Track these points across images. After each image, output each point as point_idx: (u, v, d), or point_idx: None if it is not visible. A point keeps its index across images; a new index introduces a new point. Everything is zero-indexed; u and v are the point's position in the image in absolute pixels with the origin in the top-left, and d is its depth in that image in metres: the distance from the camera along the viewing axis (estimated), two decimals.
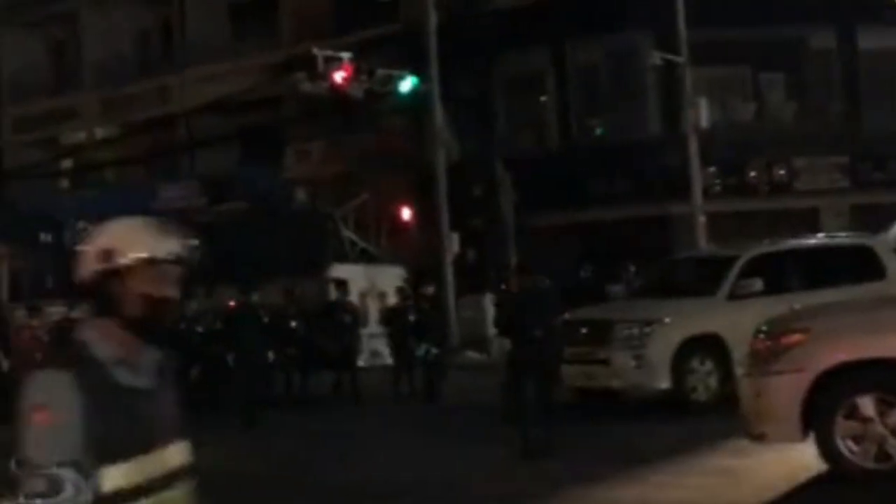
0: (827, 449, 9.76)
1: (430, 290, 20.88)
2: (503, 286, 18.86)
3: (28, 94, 39.42)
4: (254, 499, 11.38)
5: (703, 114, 26.71)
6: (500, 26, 28.56)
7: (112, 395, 2.99)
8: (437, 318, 20.76)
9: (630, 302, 17.34)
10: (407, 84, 26.13)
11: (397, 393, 19.05)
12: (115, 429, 2.96)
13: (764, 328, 10.55)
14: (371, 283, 25.31)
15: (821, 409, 9.70)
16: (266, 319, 18.64)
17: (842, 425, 9.63)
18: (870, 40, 29.09)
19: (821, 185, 28.89)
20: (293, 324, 19.96)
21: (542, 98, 31.46)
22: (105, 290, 3.05)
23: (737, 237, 21.29)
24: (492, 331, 26.78)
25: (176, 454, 3.17)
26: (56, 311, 21.19)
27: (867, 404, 9.60)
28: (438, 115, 26.54)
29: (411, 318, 19.45)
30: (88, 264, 3.07)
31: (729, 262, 16.10)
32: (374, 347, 23.15)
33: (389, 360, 21.02)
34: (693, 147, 26.74)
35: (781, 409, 9.77)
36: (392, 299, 21.95)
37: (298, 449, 14.74)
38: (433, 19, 26.63)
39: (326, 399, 19.43)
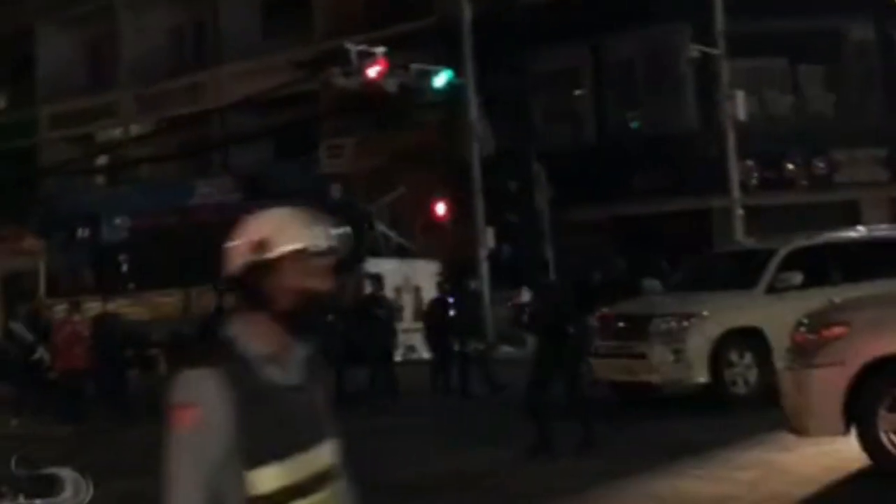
0: (869, 442, 9.64)
1: (473, 284, 20.84)
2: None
3: (64, 91, 39.67)
4: None
5: (740, 107, 26.46)
6: (535, 20, 28.43)
7: (262, 393, 2.85)
8: (478, 314, 20.70)
9: (668, 296, 17.20)
10: (441, 79, 26.04)
11: (435, 388, 18.98)
12: (266, 429, 2.83)
13: (805, 321, 10.42)
14: (406, 278, 25.28)
15: (863, 402, 9.58)
16: None
17: (884, 418, 9.52)
18: None
19: (860, 177, 28.63)
20: (328, 318, 19.93)
21: (578, 92, 31.32)
22: (256, 283, 2.91)
23: (775, 231, 21.05)
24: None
25: (327, 453, 3.04)
26: (94, 306, 21.33)
27: None
28: (473, 109, 26.45)
29: (451, 312, 19.38)
30: (239, 256, 2.94)
31: (768, 255, 15.96)
32: (410, 342, 23.12)
33: (425, 355, 20.98)
34: (730, 140, 26.53)
35: (823, 402, 9.65)
36: (428, 294, 21.92)
37: None
38: (468, 13, 26.55)
39: (362, 394, 19.39)
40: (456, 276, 22.33)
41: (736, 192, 26.68)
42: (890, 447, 9.50)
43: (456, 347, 19.10)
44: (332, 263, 3.00)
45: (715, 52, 26.54)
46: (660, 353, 15.10)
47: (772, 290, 15.42)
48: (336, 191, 29.83)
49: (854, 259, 15.88)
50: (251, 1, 36.61)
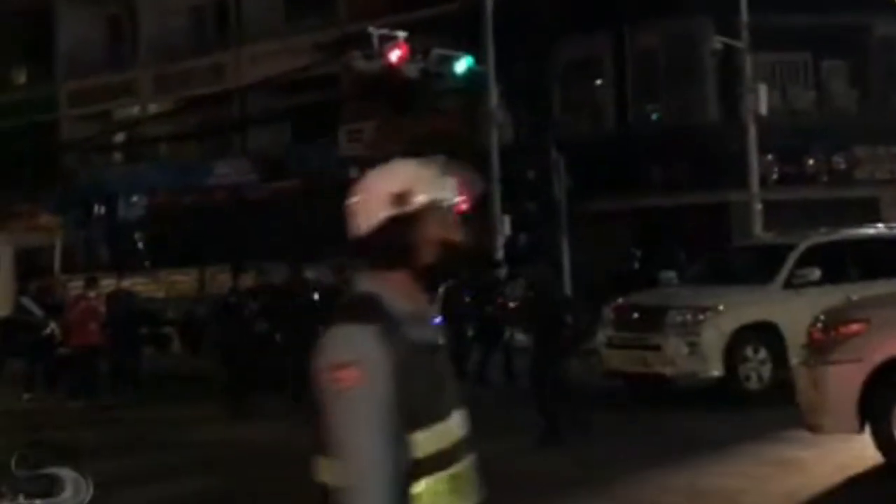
0: (883, 440, 9.60)
1: (502, 272, 20.82)
2: None
3: (84, 68, 39.67)
4: (298, 475, 11.31)
5: (762, 100, 26.32)
6: (558, 8, 28.30)
7: (415, 352, 2.71)
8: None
9: (684, 288, 17.13)
10: (462, 65, 25.94)
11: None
12: (422, 389, 2.68)
13: (822, 318, 10.37)
14: None
15: (878, 400, 9.52)
16: (316, 297, 18.63)
17: None
18: None
19: (881, 174, 28.50)
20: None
21: (599, 82, 31.20)
22: (396, 238, 2.77)
23: (795, 226, 20.96)
24: None
25: (462, 421, 2.87)
26: (109, 283, 21.37)
27: None
28: (493, 96, 26.36)
29: (466, 299, 19.33)
30: (376, 210, 2.79)
31: (786, 250, 15.88)
32: None
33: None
34: (751, 134, 26.40)
35: (838, 399, 9.60)
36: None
37: None
38: (490, 0, 26.45)
39: None
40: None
41: (755, 187, 26.56)
42: None
43: (470, 333, 19.05)
44: (465, 213, 2.88)
45: (738, 44, 26.40)
46: (674, 346, 15.04)
47: (789, 285, 15.35)
48: (354, 174, 29.75)
49: (872, 256, 15.81)
50: None
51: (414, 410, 2.66)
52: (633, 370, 15.84)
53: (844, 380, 9.57)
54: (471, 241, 2.87)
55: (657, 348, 15.20)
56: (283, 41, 34.08)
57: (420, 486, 2.67)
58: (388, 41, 24.49)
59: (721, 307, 15.20)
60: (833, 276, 15.16)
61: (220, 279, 22.79)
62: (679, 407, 15.06)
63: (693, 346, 14.94)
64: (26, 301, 20.98)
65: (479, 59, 26.13)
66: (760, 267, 16.30)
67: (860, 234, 16.77)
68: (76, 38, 40.35)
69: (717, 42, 26.56)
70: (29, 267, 28.53)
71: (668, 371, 15.53)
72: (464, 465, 2.79)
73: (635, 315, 15.81)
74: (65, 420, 16.74)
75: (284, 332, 18.02)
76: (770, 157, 27.82)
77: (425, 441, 2.68)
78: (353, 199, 2.85)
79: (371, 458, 2.60)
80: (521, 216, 27.55)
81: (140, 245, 29.69)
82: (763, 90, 26.51)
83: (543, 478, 10.60)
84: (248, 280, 18.36)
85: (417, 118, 29.97)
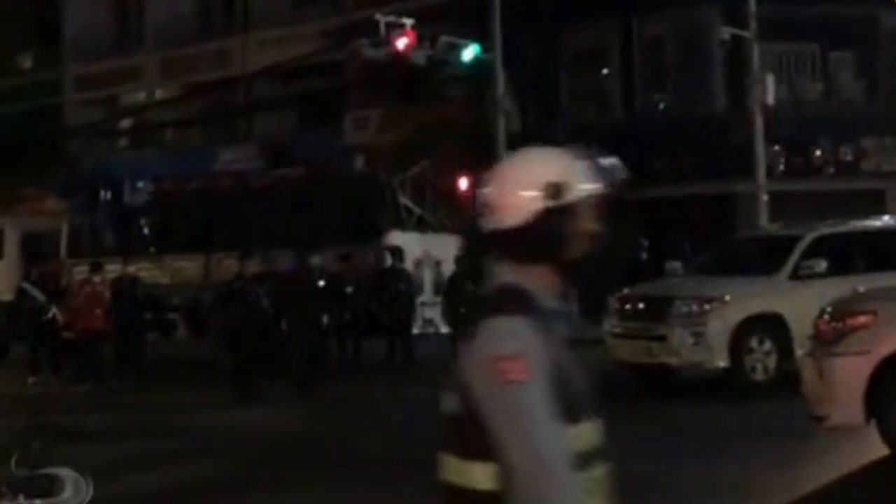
0: (889, 432, 9.58)
1: None
2: None
3: (90, 53, 39.62)
4: (301, 461, 11.36)
5: (769, 91, 26.22)
6: None
7: (564, 346, 2.64)
8: None
9: (690, 279, 17.10)
10: (469, 53, 25.88)
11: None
12: (573, 383, 2.60)
13: (829, 309, 10.35)
14: (426, 252, 25.22)
15: (885, 392, 9.50)
16: (321, 284, 18.65)
17: None
18: None
19: (888, 166, 28.42)
20: (348, 290, 19.93)
21: (605, 71, 31.13)
22: (549, 231, 2.64)
23: (801, 217, 20.91)
24: None
25: (599, 421, 2.74)
26: (115, 268, 21.37)
27: None
28: (500, 85, 26.29)
29: (470, 287, 19.31)
30: (527, 201, 2.65)
31: (792, 241, 15.85)
32: (428, 315, 23.10)
33: (443, 329, 20.93)
34: (758, 125, 26.31)
35: (844, 391, 9.58)
36: (448, 268, 21.86)
37: (350, 414, 14.74)
38: None
39: (379, 365, 19.40)
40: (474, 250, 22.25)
41: (762, 178, 26.48)
42: None
43: None
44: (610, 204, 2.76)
45: (746, 35, 26.30)
46: (680, 336, 15.02)
47: (795, 276, 15.32)
48: (359, 162, 29.78)
49: (879, 248, 15.77)
50: None
51: (570, 403, 2.57)
52: (639, 360, 15.83)
53: (851, 372, 9.55)
54: (618, 234, 2.80)
55: (663, 338, 15.19)
56: (289, 28, 34.03)
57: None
58: (395, 28, 24.44)
59: (727, 298, 15.18)
60: (839, 267, 15.13)
61: (226, 265, 22.79)
62: (684, 398, 15.05)
63: (699, 337, 14.93)
64: (27, 286, 21.00)
65: (487, 47, 26.06)
66: (766, 258, 16.26)
67: (867, 226, 16.74)
68: (82, 23, 40.29)
69: (725, 32, 26.46)
70: (34, 251, 28.53)
71: (673, 361, 15.52)
72: (602, 470, 2.69)
73: (641, 305, 15.79)
74: (69, 404, 16.77)
75: (290, 319, 18.03)
76: (777, 148, 27.75)
77: (582, 435, 2.60)
78: (492, 189, 2.72)
79: (553, 449, 2.49)
80: None
81: (145, 231, 29.66)
82: (770, 81, 26.42)
83: None
84: (252, 266, 18.35)
85: (424, 106, 29.94)
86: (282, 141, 33.39)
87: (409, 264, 22.28)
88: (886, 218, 18.70)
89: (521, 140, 26.96)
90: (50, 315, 20.03)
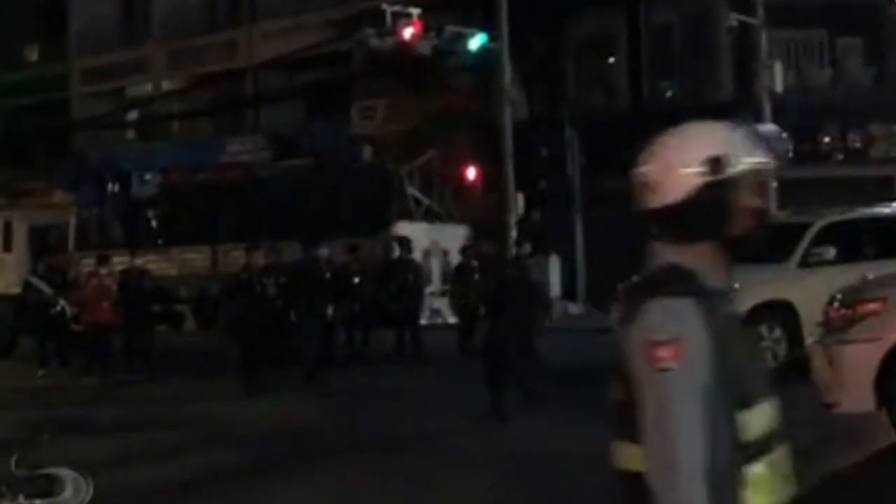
0: None
1: (528, 249, 20.81)
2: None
3: (97, 46, 39.62)
4: (309, 452, 11.35)
5: (777, 78, 26.15)
6: None
7: (734, 328, 2.55)
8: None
9: None
10: (476, 42, 25.83)
11: (463, 351, 18.90)
12: (743, 366, 2.50)
13: (839, 296, 10.32)
14: (434, 242, 25.19)
15: (894, 378, 9.46)
16: (328, 275, 18.64)
17: None
18: None
19: None
20: (356, 280, 19.91)
21: (612, 59, 31.04)
22: (710, 207, 2.55)
23: (809, 204, 20.83)
24: (555, 293, 26.74)
25: (775, 401, 2.63)
26: (123, 261, 21.37)
27: None
28: (507, 74, 26.24)
29: (476, 277, 19.29)
30: (687, 177, 2.57)
31: (801, 229, 15.79)
32: (436, 306, 23.07)
33: (451, 320, 20.90)
34: (766, 112, 26.24)
35: (855, 378, 9.55)
36: (455, 258, 21.84)
37: (357, 404, 14.73)
38: None
39: (387, 356, 19.38)
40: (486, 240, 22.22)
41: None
42: None
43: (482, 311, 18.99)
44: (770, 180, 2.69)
45: (754, 21, 26.22)
46: None
47: (804, 264, 15.28)
48: (367, 152, 29.72)
49: (888, 235, 15.71)
50: None
51: (740, 388, 2.47)
52: None
53: (861, 359, 9.52)
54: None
55: None
56: (295, 18, 33.97)
57: (751, 470, 2.49)
58: (402, 18, 24.40)
59: (736, 286, 15.07)
60: (848, 254, 15.09)
61: (233, 257, 22.78)
62: None
63: None
64: (34, 279, 21.00)
65: (493, 36, 26.01)
66: (775, 245, 16.14)
67: (876, 213, 16.66)
68: (89, 16, 40.29)
69: (733, 19, 26.38)
70: (42, 245, 28.56)
71: None
72: (782, 451, 2.61)
73: None
74: (78, 397, 16.78)
75: (297, 311, 18.02)
76: (785, 134, 27.66)
77: (753, 421, 2.50)
78: (651, 166, 2.65)
79: (687, 450, 2.39)
80: (534, 194, 27.48)
81: (153, 223, 29.67)
82: (778, 67, 26.34)
83: (562, 453, 10.57)
84: (260, 258, 18.32)
85: (430, 96, 29.89)
86: (289, 132, 33.33)
87: (416, 254, 22.23)
88: (895, 204, 18.61)
89: (527, 128, 26.94)
90: (58, 308, 20.04)
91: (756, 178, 2.59)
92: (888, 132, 28.51)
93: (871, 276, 11.61)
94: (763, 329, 14.98)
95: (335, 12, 32.78)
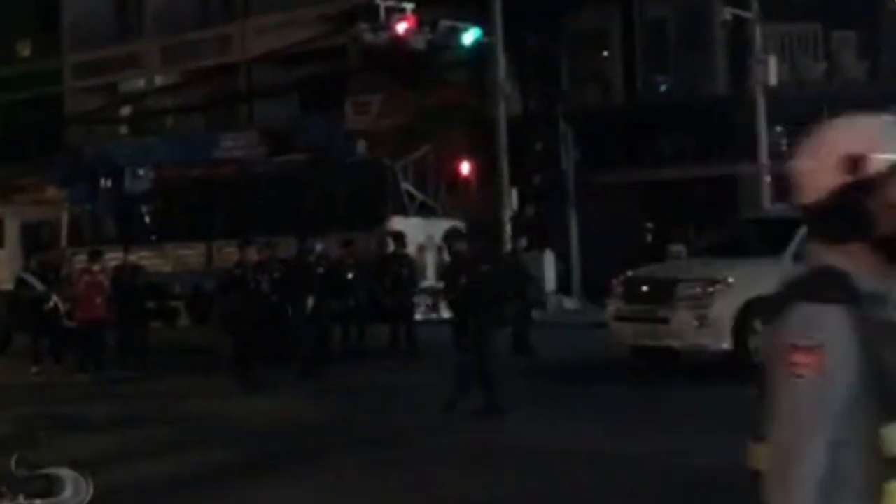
0: None
1: (523, 244, 20.77)
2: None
3: (90, 41, 39.54)
4: (305, 448, 11.33)
5: (771, 72, 26.15)
6: None
7: (886, 335, 2.39)
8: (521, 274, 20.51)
9: (693, 261, 17.04)
10: (470, 36, 25.79)
11: (458, 347, 18.84)
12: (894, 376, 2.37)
13: None
14: (429, 237, 25.13)
15: None
16: (321, 271, 18.60)
17: None
18: None
19: None
20: (350, 276, 19.87)
21: (606, 53, 31.02)
22: (851, 207, 2.44)
23: None
24: (550, 287, 26.73)
25: None
26: (116, 256, 21.31)
27: None
28: (501, 68, 26.21)
29: (483, 268, 19.21)
30: (827, 176, 2.46)
31: (796, 223, 15.70)
32: (431, 301, 23.01)
33: (445, 315, 20.85)
34: (761, 106, 26.26)
35: None
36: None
37: (353, 400, 14.70)
38: None
39: (382, 351, 19.35)
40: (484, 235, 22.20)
41: (764, 159, 26.42)
42: None
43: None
44: None
45: (748, 15, 26.21)
46: (683, 318, 14.97)
47: (799, 258, 15.22)
48: (361, 147, 29.66)
49: None
50: None
51: (886, 401, 2.35)
52: (642, 343, 15.77)
53: None
54: None
55: (666, 321, 15.13)
56: (289, 13, 33.92)
57: (893, 486, 2.37)
58: (396, 13, 24.36)
59: (731, 280, 15.12)
60: None
61: (227, 253, 22.70)
62: (688, 380, 15.00)
63: (702, 319, 14.87)
64: (26, 276, 20.94)
65: (487, 30, 25.98)
66: (770, 240, 16.17)
67: None
68: (82, 10, 40.21)
69: (727, 13, 26.37)
70: (35, 241, 28.46)
71: (676, 344, 15.47)
72: None
73: (644, 288, 15.72)
74: (72, 393, 16.73)
75: (292, 306, 17.99)
76: (779, 128, 27.67)
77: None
78: (797, 164, 2.55)
79: (806, 455, 2.35)
80: (528, 188, 27.45)
81: (147, 218, 29.57)
82: (773, 61, 26.34)
83: (562, 449, 10.56)
84: (254, 253, 18.28)
85: (425, 90, 29.85)
86: (283, 127, 33.24)
87: (411, 249, 22.19)
88: None
89: (522, 122, 26.91)
90: (51, 304, 19.99)
91: None
92: None
93: None
94: (758, 323, 14.94)
95: (329, 7, 32.74)
